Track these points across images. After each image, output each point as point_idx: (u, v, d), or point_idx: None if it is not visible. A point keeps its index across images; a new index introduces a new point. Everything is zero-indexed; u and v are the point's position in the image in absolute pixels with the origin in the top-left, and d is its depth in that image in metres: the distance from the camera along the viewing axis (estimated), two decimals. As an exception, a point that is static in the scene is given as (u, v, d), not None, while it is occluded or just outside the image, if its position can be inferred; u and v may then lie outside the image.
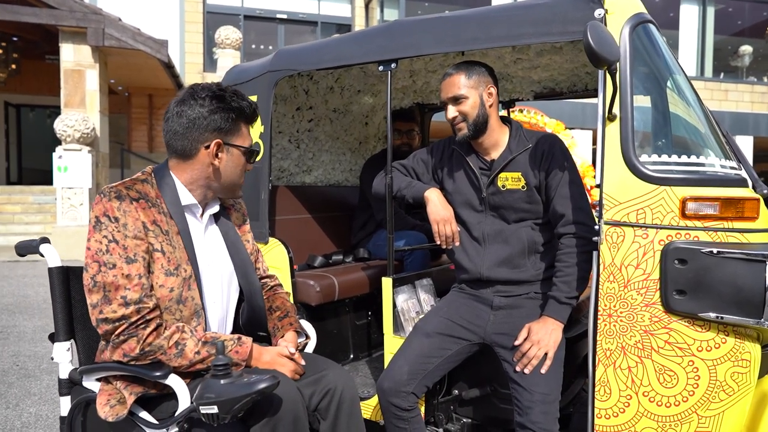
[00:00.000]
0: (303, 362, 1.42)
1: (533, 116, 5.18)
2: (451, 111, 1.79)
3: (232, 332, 1.53)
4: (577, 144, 4.89)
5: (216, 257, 1.47)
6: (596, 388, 1.57)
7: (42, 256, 1.38)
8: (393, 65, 1.97)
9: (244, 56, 12.40)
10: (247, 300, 1.52)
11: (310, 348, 1.67)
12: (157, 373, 1.19)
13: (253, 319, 1.53)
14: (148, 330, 1.24)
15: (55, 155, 8.36)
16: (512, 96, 2.84)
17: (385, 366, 1.90)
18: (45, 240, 1.38)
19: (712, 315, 1.45)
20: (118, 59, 9.59)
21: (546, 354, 1.61)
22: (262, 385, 1.10)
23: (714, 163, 1.55)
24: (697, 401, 1.51)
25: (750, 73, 15.30)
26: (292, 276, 2.26)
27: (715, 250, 1.44)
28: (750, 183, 1.53)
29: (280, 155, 2.83)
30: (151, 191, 1.34)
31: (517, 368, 1.62)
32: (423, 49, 1.90)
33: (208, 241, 1.46)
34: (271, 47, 14.20)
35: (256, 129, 2.34)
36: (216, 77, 10.73)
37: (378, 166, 2.72)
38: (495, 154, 1.83)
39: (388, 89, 2.00)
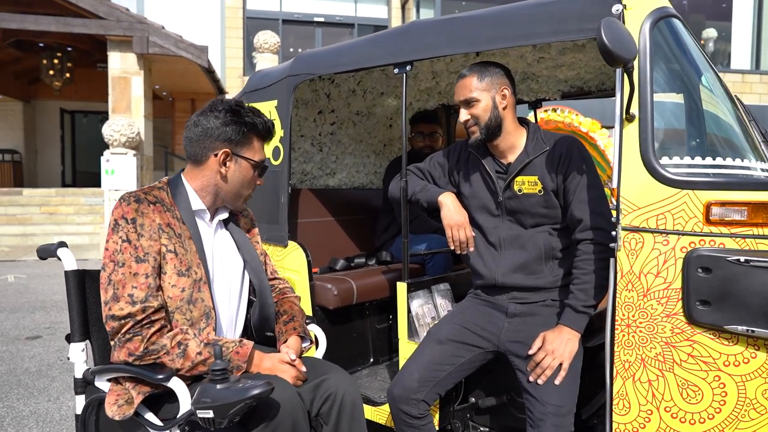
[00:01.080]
0: (304, 369, 1.43)
1: (567, 115, 5.02)
2: (464, 114, 1.75)
3: (242, 335, 1.56)
4: (613, 143, 4.69)
5: (226, 260, 1.52)
6: (615, 401, 1.50)
7: (59, 259, 1.44)
8: (408, 67, 1.95)
9: (282, 59, 12.62)
10: (258, 295, 1.57)
11: (320, 352, 1.68)
12: (160, 376, 1.22)
13: (263, 317, 1.56)
14: (152, 330, 1.29)
15: (102, 159, 8.76)
16: (538, 96, 2.77)
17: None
18: (62, 244, 1.45)
19: (740, 328, 1.36)
20: (162, 66, 9.96)
21: (561, 364, 1.55)
22: (256, 391, 1.11)
23: (743, 165, 1.45)
24: (724, 419, 1.42)
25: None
26: (311, 279, 2.27)
27: (742, 259, 1.35)
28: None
29: (303, 158, 2.85)
30: (166, 198, 1.44)
31: (531, 378, 1.57)
32: (437, 50, 1.87)
33: (218, 244, 1.52)
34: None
35: (276, 134, 2.37)
36: (255, 81, 10.96)
37: (401, 169, 2.69)
38: (511, 157, 1.78)
39: (403, 92, 1.97)
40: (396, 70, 1.97)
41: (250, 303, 1.59)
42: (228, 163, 1.46)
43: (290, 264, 2.31)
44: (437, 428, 1.90)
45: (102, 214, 9.68)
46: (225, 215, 1.56)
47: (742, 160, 1.44)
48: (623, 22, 1.48)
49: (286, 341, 1.52)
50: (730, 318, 1.37)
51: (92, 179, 12.55)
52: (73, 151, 15.09)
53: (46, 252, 1.44)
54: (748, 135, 1.56)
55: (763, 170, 1.45)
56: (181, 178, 1.49)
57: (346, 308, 2.36)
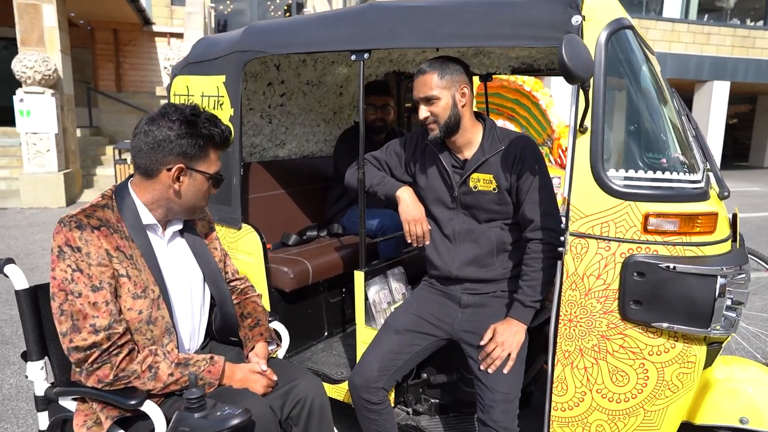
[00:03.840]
0: (275, 377, 1.48)
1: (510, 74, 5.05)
2: (423, 111, 1.76)
3: (204, 340, 1.57)
4: (555, 103, 4.84)
5: (184, 271, 1.48)
6: (555, 385, 1.68)
7: (6, 276, 1.36)
8: (366, 55, 1.90)
9: (213, -12, 11.64)
10: (218, 307, 1.56)
11: (282, 351, 1.73)
12: (132, 402, 1.23)
13: (225, 325, 1.57)
14: (121, 356, 1.26)
15: (15, 98, 7.94)
16: (489, 70, 2.79)
17: (358, 356, 1.98)
18: (10, 261, 1.36)
19: (664, 325, 1.54)
20: (77, -9, 8.94)
21: (509, 355, 1.69)
22: (235, 421, 1.15)
23: (680, 178, 1.57)
24: (644, 398, 1.63)
25: (734, 15, 15.06)
26: (266, 262, 2.28)
27: (671, 266, 1.50)
28: (710, 194, 1.58)
29: (252, 132, 2.76)
30: (112, 217, 1.34)
31: (482, 367, 1.71)
32: (397, 41, 1.83)
33: (174, 256, 1.47)
34: (242, -23, 13.34)
35: (225, 112, 2.27)
36: (183, 11, 10.11)
37: (352, 142, 2.67)
38: (468, 153, 1.82)
39: (361, 78, 1.93)
40: (353, 57, 1.92)
41: (212, 307, 1.58)
42: (182, 177, 1.37)
43: (244, 247, 2.30)
44: (393, 403, 2.05)
45: (19, 157, 8.92)
46: (179, 226, 1.49)
47: (679, 174, 1.57)
48: (581, 33, 1.51)
49: (253, 348, 1.55)
50: (656, 316, 1.54)
51: (4, 115, 11.34)
52: (-24, 83, 13.47)
53: (-8, 268, 1.36)
54: (684, 144, 1.68)
55: (692, 181, 1.58)
56: (128, 190, 1.39)
57: (301, 288, 2.40)
